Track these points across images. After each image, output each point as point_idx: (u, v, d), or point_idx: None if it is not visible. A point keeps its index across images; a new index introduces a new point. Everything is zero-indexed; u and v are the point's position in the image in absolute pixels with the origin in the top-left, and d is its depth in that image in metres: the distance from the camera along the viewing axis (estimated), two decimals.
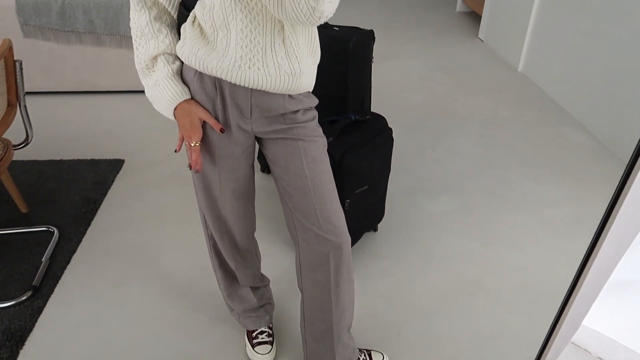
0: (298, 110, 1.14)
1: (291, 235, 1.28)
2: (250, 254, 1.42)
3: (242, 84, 1.04)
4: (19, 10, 2.97)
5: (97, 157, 2.59)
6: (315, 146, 1.17)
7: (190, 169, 1.11)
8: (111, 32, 3.08)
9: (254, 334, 1.56)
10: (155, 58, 1.08)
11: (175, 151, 1.10)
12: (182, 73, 1.10)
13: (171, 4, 1.07)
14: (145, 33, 1.06)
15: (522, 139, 2.81)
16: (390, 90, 3.37)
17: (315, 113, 1.19)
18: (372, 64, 2.11)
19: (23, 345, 1.60)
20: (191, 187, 2.38)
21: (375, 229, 2.10)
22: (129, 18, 2.95)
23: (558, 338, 1.37)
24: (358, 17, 4.90)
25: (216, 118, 1.11)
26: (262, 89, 1.06)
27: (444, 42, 4.27)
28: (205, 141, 1.14)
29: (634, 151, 0.68)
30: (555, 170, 2.54)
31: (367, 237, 2.08)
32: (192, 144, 1.08)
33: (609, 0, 2.72)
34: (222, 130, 1.09)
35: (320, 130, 1.21)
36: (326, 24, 2.02)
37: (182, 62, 1.10)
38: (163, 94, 1.08)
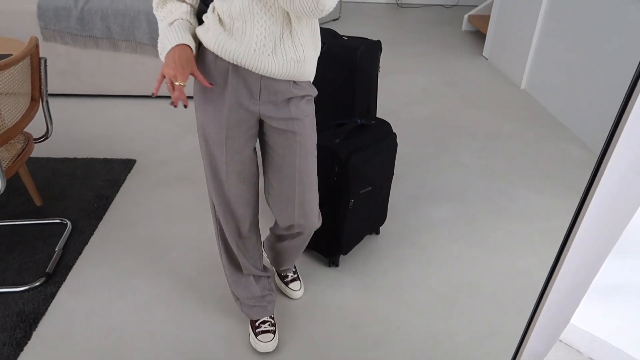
0: (303, 97, 1.27)
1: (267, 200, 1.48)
2: (252, 243, 1.51)
3: (254, 70, 1.17)
4: (40, 14, 3.09)
5: (109, 157, 2.68)
6: (310, 140, 1.34)
7: (174, 106, 1.12)
8: (127, 38, 3.19)
9: (256, 324, 1.62)
10: (172, 23, 1.18)
11: (152, 94, 1.09)
12: (201, 55, 1.21)
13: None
14: (173, 9, 1.19)
15: (523, 152, 2.88)
16: (395, 102, 3.46)
17: (314, 107, 1.33)
18: (379, 73, 2.19)
19: (36, 327, 1.66)
20: (199, 186, 2.45)
21: (378, 232, 2.17)
22: (144, 23, 3.07)
23: (547, 333, 1.42)
24: (367, 32, 5.02)
25: (227, 98, 1.22)
26: (271, 75, 1.18)
27: (450, 58, 4.37)
28: (215, 123, 1.26)
29: (606, 140, 0.75)
30: (554, 183, 2.60)
31: (370, 240, 2.14)
32: (177, 84, 1.09)
33: (608, 22, 2.81)
34: (211, 84, 1.19)
35: (315, 124, 1.35)
36: (336, 33, 2.12)
37: (193, 26, 1.21)
38: (164, 42, 1.15)
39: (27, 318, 1.68)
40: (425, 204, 2.40)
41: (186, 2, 1.21)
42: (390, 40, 4.80)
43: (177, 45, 1.13)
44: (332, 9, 1.07)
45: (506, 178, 2.63)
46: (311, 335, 1.70)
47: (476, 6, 5.73)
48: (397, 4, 6.21)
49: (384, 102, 3.46)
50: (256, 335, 1.61)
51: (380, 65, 2.17)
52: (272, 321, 1.65)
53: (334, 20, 5.41)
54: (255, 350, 1.62)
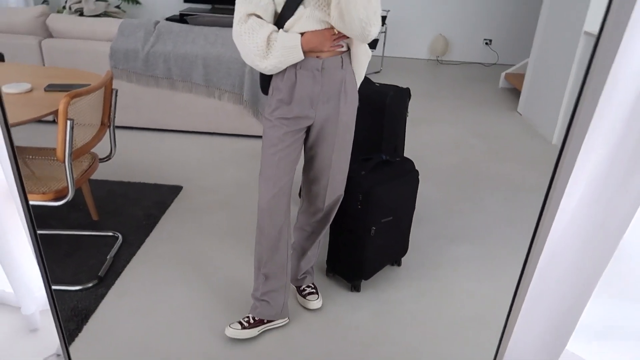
0: (349, 104, 1.70)
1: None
2: (284, 228, 1.77)
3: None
4: (112, 55, 3.50)
5: (159, 182, 2.96)
6: (347, 138, 1.75)
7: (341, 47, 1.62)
8: (184, 79, 3.54)
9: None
10: (269, 37, 1.51)
11: (335, 34, 1.56)
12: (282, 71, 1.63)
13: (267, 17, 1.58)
14: (255, 26, 1.51)
15: None
16: (426, 149, 3.65)
17: (355, 113, 1.76)
18: (407, 118, 2.40)
19: (87, 321, 1.88)
20: (236, 212, 2.68)
21: (399, 264, 2.31)
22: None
23: (544, 354, 1.52)
24: (406, 85, 5.29)
25: (294, 107, 1.64)
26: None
27: (484, 113, 4.56)
28: (278, 124, 1.65)
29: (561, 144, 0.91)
30: None
31: (391, 270, 2.29)
32: (335, 33, 1.54)
33: None
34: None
35: (354, 123, 1.76)
36: (369, 80, 2.35)
37: None
38: (290, 40, 1.53)
39: (79, 313, 1.90)
40: (447, 243, 2.53)
41: (266, 21, 1.55)
42: (428, 94, 5.04)
43: (301, 37, 1.55)
44: (375, 36, 1.49)
45: (527, 224, 2.73)
46: (328, 350, 1.84)
47: (514, 65, 5.95)
48: (438, 60, 6.50)
49: (415, 148, 3.65)
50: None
51: (408, 111, 2.37)
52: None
53: (376, 72, 5.72)
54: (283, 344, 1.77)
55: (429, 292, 2.17)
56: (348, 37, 1.59)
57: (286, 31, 1.55)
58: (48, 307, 1.71)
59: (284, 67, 1.58)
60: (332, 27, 1.54)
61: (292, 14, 1.52)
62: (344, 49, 1.63)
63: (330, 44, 1.56)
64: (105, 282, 2.09)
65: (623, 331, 1.81)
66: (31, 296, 1.83)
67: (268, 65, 1.56)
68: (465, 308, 2.10)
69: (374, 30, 1.48)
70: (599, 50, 1.02)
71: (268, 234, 1.75)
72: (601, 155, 1.25)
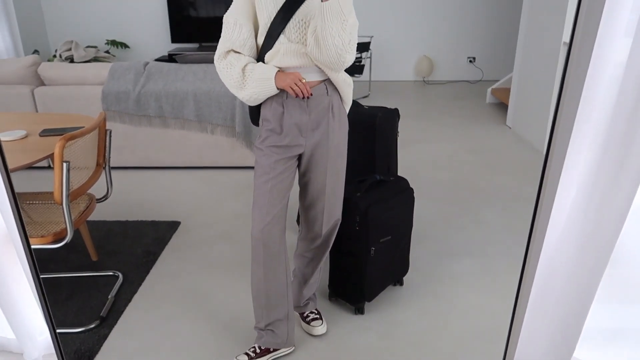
0: (339, 128, 1.73)
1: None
2: (280, 256, 1.77)
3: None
4: (104, 98, 3.55)
5: (157, 219, 2.96)
6: (339, 162, 1.77)
7: (304, 97, 1.61)
8: (176, 115, 3.59)
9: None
10: (244, 68, 1.56)
11: (309, 96, 1.61)
12: (262, 104, 1.68)
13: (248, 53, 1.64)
14: (233, 61, 1.57)
15: None
16: (421, 168, 3.68)
17: (347, 139, 1.78)
18: (398, 138, 2.43)
19: None
20: (236, 244, 2.68)
21: (402, 283, 2.30)
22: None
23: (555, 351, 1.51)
24: (395, 107, 5.36)
25: (284, 137, 1.66)
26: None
27: (474, 128, 4.61)
28: (270, 152, 1.66)
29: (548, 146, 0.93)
30: None
31: (394, 290, 2.28)
32: (303, 81, 1.57)
33: None
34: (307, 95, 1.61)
35: (345, 154, 1.78)
36: (358, 103, 2.40)
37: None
38: (265, 73, 1.57)
39: (83, 355, 1.88)
40: (448, 259, 2.54)
41: (244, 55, 1.61)
42: (417, 114, 5.10)
43: (277, 72, 1.59)
44: (350, 64, 1.55)
45: (526, 234, 2.74)
46: None
47: (499, 80, 6.05)
48: (424, 81, 6.60)
49: (408, 167, 3.68)
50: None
51: (399, 131, 2.41)
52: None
53: (364, 97, 5.80)
54: None
55: (433, 310, 2.17)
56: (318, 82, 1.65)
57: (267, 63, 1.60)
58: (51, 351, 1.70)
59: (262, 97, 1.63)
60: (300, 75, 1.58)
61: (273, 43, 1.57)
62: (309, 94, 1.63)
63: (293, 88, 1.57)
64: (108, 322, 2.07)
65: (632, 335, 1.80)
66: (33, 341, 1.81)
67: (245, 95, 1.62)
68: (471, 322, 2.09)
69: (349, 58, 1.54)
70: (572, 59, 1.06)
71: (264, 263, 1.75)
72: (588, 159, 1.28)
